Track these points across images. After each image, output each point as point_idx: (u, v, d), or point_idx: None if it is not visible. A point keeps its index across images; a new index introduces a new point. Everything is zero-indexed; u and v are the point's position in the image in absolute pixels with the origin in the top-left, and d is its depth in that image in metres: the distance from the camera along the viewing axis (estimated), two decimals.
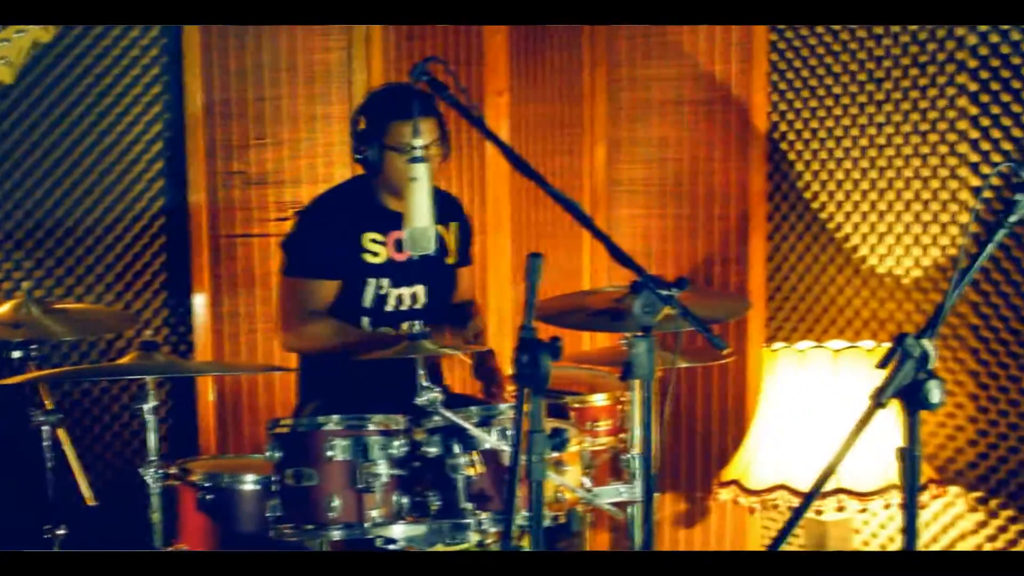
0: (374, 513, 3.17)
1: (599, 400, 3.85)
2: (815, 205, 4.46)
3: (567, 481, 3.31)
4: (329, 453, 3.19)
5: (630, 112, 4.99)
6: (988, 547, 4.04)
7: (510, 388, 3.87)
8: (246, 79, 4.59)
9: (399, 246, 3.79)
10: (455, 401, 3.43)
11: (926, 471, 4.04)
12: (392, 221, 3.77)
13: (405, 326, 3.46)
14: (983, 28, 3.95)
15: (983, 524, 4.09)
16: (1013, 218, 2.38)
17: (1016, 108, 3.91)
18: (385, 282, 3.82)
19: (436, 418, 3.23)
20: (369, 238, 3.82)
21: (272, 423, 3.32)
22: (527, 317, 2.58)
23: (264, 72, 4.61)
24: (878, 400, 2.33)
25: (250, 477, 3.44)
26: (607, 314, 3.48)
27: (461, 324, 3.90)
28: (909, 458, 2.37)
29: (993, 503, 4.07)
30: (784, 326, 4.60)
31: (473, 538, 3.21)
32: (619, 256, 2.76)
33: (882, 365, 2.35)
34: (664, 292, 2.64)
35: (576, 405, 3.82)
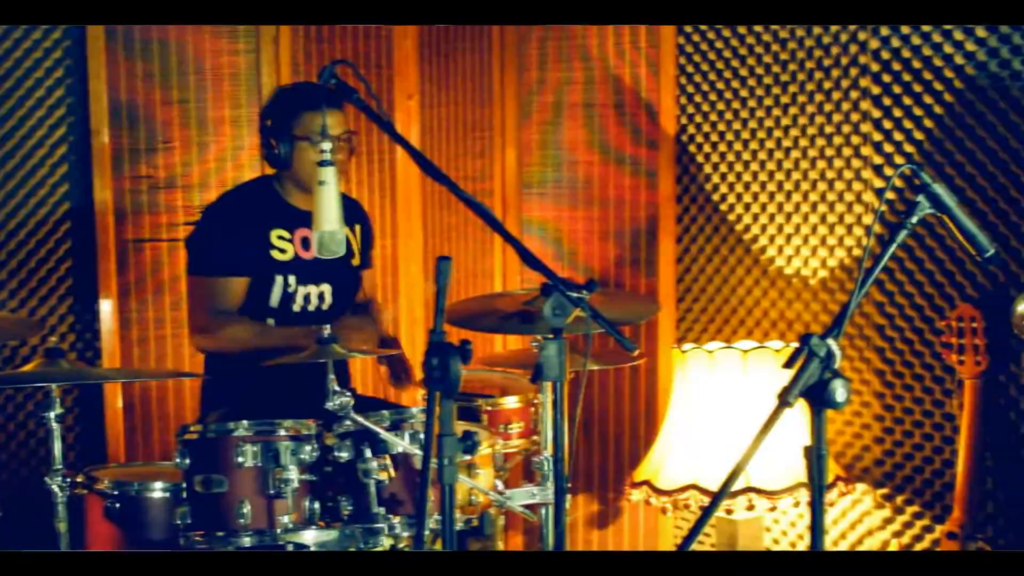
0: (285, 519, 3.15)
1: (511, 402, 3.86)
2: (723, 207, 4.51)
3: (479, 484, 3.31)
4: (239, 459, 3.16)
5: (540, 115, 5.01)
6: (895, 543, 4.10)
7: (421, 391, 3.88)
8: (153, 81, 4.53)
9: (306, 244, 3.79)
10: (366, 405, 3.42)
11: (834, 469, 4.10)
12: (299, 218, 3.76)
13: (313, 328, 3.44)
14: (884, 32, 4.02)
15: (889, 520, 4.15)
16: (914, 219, 2.42)
17: (917, 111, 3.97)
18: (292, 279, 3.80)
19: (347, 422, 3.21)
20: (276, 235, 3.80)
21: (181, 429, 3.28)
22: (436, 321, 2.58)
23: (171, 75, 4.56)
24: (785, 400, 2.35)
25: (159, 484, 3.39)
26: (517, 317, 3.49)
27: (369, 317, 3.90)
28: (815, 456, 2.40)
29: (899, 499, 4.13)
30: (694, 327, 4.64)
31: (385, 542, 3.20)
32: (529, 259, 2.76)
33: (788, 365, 2.37)
34: (574, 294, 2.65)
35: (488, 408, 3.83)
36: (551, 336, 2.63)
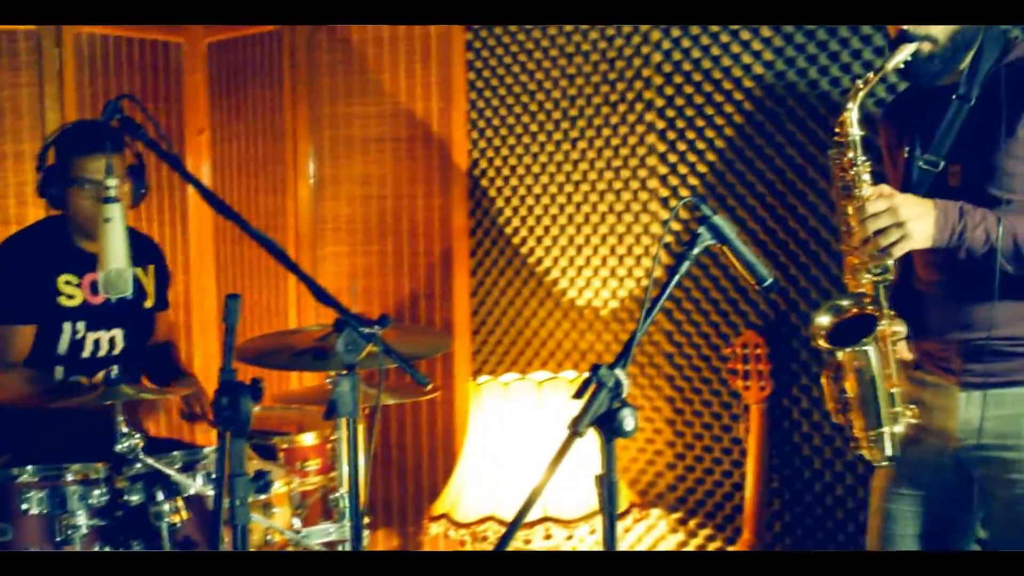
0: None
1: (308, 439, 3.83)
2: (516, 240, 4.56)
3: (275, 523, 3.27)
4: (24, 506, 3.07)
5: (333, 150, 5.00)
6: None
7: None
8: None
9: (95, 288, 3.69)
10: (157, 446, 3.36)
11: (628, 495, 4.17)
12: (87, 263, 3.67)
13: (100, 375, 3.36)
14: (667, 68, 4.13)
15: (684, 544, 4.24)
16: (696, 250, 2.47)
17: (700, 145, 4.09)
18: (81, 326, 3.71)
19: (137, 465, 3.14)
20: (63, 280, 3.70)
21: None
22: (226, 359, 2.54)
23: None
24: (575, 429, 2.38)
25: None
26: (311, 353, 3.46)
27: (164, 370, 3.82)
28: (607, 485, 2.43)
29: (692, 523, 4.23)
30: (490, 359, 4.68)
31: None
32: (321, 295, 2.75)
33: (578, 395, 2.40)
34: (366, 330, 2.65)
35: (284, 445, 3.80)
36: (344, 372, 2.62)
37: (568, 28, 4.37)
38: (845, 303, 2.84)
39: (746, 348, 3.90)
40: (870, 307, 2.79)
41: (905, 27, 2.73)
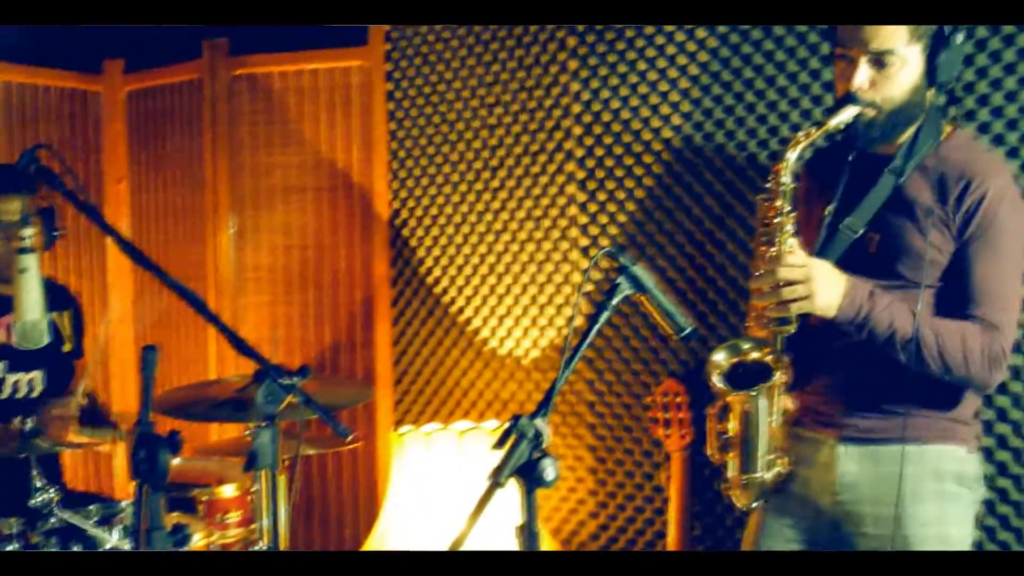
0: None
1: (228, 491, 3.79)
2: (437, 290, 4.56)
3: None
4: None
5: (254, 199, 4.97)
6: None
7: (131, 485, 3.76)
8: None
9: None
10: (75, 500, 3.31)
11: (551, 544, 4.17)
12: (6, 304, 3.62)
13: (16, 421, 3.31)
14: (587, 119, 4.17)
15: None
16: (615, 300, 2.49)
17: (620, 195, 4.13)
18: (1, 366, 3.66)
19: (53, 520, 3.09)
20: None
21: None
22: (143, 411, 2.52)
23: None
24: (496, 480, 2.37)
25: None
26: (230, 404, 3.43)
27: (88, 416, 3.78)
28: (528, 535, 2.43)
29: None
30: (412, 409, 4.66)
31: None
32: (240, 346, 2.74)
33: (498, 445, 2.40)
34: (286, 381, 2.63)
35: (204, 498, 3.75)
36: (264, 424, 2.61)
37: (488, 79, 4.40)
38: (745, 345, 2.86)
39: (667, 396, 3.92)
40: (770, 356, 2.82)
41: (854, 89, 2.77)
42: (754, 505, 2.91)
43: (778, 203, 2.78)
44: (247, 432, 3.45)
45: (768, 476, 2.88)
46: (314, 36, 4.74)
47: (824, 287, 2.71)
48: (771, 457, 2.87)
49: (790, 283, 2.71)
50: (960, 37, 2.76)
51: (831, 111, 2.80)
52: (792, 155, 2.77)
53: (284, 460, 2.72)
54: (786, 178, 2.78)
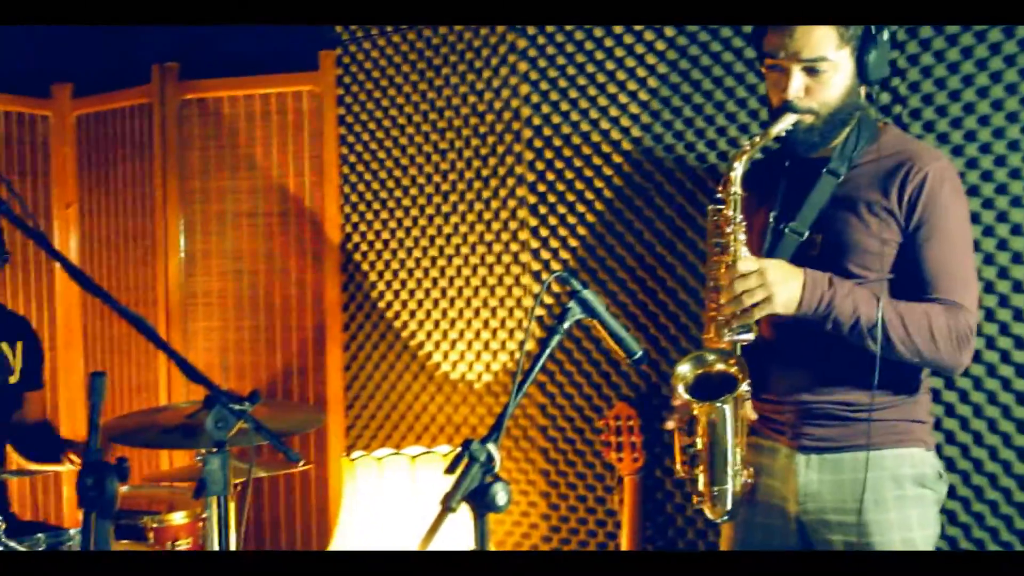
0: None
1: (178, 518, 3.76)
2: (389, 315, 4.55)
3: None
4: None
5: (204, 224, 4.95)
6: None
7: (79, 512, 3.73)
8: None
9: None
10: (21, 529, 3.27)
11: None
12: None
13: None
14: (539, 144, 4.18)
15: None
16: (566, 324, 2.50)
17: (571, 219, 4.14)
18: None
19: None
20: None
21: None
22: (90, 439, 2.49)
23: None
24: (448, 505, 2.37)
25: None
26: (180, 430, 3.41)
27: (50, 447, 3.76)
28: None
29: None
30: (364, 434, 4.65)
31: None
32: (189, 372, 2.71)
33: (450, 470, 2.40)
34: (236, 407, 2.61)
35: (154, 525, 3.72)
36: (215, 450, 2.58)
37: (440, 103, 4.41)
38: (710, 357, 2.86)
39: (619, 420, 3.93)
40: (734, 367, 2.83)
41: (790, 98, 2.80)
42: (725, 518, 2.92)
43: (729, 212, 2.80)
44: (197, 458, 3.42)
45: (736, 486, 2.89)
46: (265, 60, 4.73)
47: (781, 285, 2.73)
48: (738, 468, 2.88)
49: (747, 290, 2.72)
50: (886, 34, 2.81)
51: (768, 122, 2.84)
52: (739, 164, 2.80)
53: (235, 486, 2.70)
54: (735, 187, 2.80)
